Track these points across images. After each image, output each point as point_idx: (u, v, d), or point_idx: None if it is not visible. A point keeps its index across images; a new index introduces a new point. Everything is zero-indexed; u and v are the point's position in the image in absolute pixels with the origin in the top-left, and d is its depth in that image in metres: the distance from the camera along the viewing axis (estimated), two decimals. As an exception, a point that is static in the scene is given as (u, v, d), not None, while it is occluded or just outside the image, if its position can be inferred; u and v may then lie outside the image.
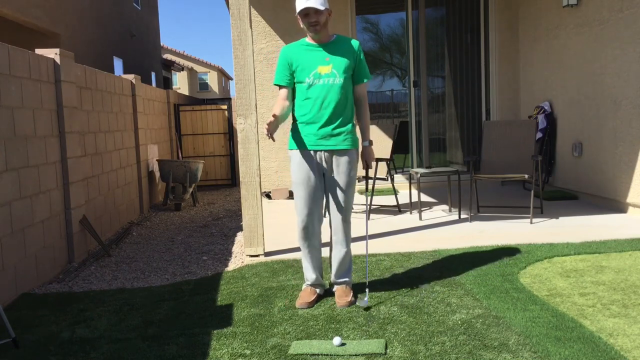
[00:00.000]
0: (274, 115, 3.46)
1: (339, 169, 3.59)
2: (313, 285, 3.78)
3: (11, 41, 11.12)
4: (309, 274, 3.76)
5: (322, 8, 3.46)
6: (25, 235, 4.38)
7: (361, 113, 3.74)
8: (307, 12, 3.48)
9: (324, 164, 3.61)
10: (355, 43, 3.63)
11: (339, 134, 3.58)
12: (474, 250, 4.69)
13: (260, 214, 4.81)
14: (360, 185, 8.32)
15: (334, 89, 3.55)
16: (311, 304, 3.61)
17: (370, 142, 3.70)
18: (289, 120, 8.19)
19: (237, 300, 3.81)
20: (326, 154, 3.59)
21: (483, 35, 8.46)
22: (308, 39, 3.62)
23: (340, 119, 3.58)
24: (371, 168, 3.84)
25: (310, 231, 3.66)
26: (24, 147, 4.43)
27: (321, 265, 3.79)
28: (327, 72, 3.55)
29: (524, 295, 3.59)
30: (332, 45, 3.58)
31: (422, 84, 8.47)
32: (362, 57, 3.65)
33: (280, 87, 3.68)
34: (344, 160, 3.59)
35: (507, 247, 4.76)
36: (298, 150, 3.63)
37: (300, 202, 3.62)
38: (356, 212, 6.65)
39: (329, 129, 3.56)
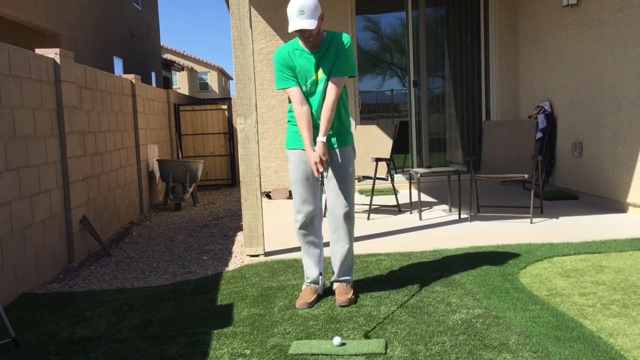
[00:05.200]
0: (322, 161, 3.42)
1: (335, 166, 3.60)
2: (313, 283, 3.78)
3: (11, 41, 11.12)
4: (310, 272, 3.76)
5: (313, 27, 3.35)
6: (25, 235, 4.38)
7: (324, 105, 3.50)
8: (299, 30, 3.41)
9: None
10: (344, 38, 3.51)
11: (334, 134, 3.61)
12: (474, 250, 4.69)
13: (260, 214, 4.81)
14: (360, 186, 8.31)
15: (324, 93, 3.54)
16: (311, 304, 3.60)
17: (324, 141, 3.46)
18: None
19: (237, 300, 3.81)
20: None
21: (483, 35, 8.46)
22: (301, 43, 3.55)
23: (335, 120, 3.60)
24: (322, 169, 3.46)
25: (309, 229, 3.67)
26: (24, 147, 4.43)
27: (322, 263, 3.79)
28: (320, 78, 3.54)
29: (524, 295, 3.59)
30: (322, 49, 3.52)
31: (422, 84, 8.47)
32: (345, 50, 3.48)
33: (289, 89, 3.55)
34: (339, 156, 3.61)
35: (507, 247, 4.76)
36: (295, 150, 3.64)
37: (299, 200, 3.64)
38: (356, 212, 6.65)
39: None
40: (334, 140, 3.62)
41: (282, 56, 3.57)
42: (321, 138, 3.47)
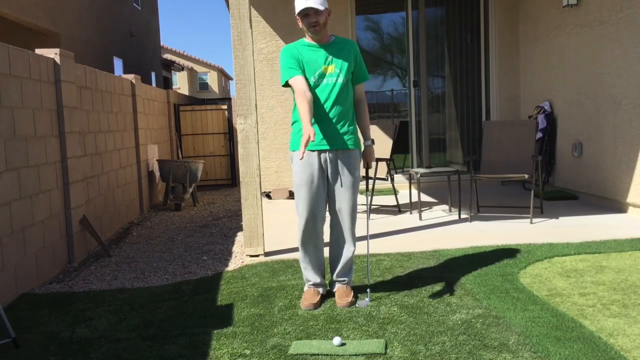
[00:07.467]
0: (306, 140, 3.21)
1: (344, 170, 3.57)
2: (315, 285, 3.76)
3: (11, 41, 11.12)
4: (311, 276, 3.73)
5: (321, 8, 3.43)
6: (25, 235, 4.38)
7: (361, 113, 3.74)
8: (307, 13, 3.45)
9: (328, 165, 3.56)
10: (353, 44, 3.63)
11: (342, 134, 3.56)
12: (474, 250, 4.69)
13: (260, 214, 4.81)
14: (359, 186, 8.31)
15: (338, 89, 3.52)
16: (317, 305, 3.59)
17: (372, 142, 3.72)
18: (290, 119, 8.19)
19: (237, 300, 3.81)
20: (330, 154, 3.56)
21: (483, 35, 8.46)
22: (307, 39, 3.59)
23: (343, 119, 3.56)
24: (371, 168, 3.85)
25: (313, 233, 3.63)
26: (24, 147, 4.43)
27: (323, 266, 3.78)
28: (330, 72, 3.52)
29: (524, 295, 3.59)
30: (332, 45, 3.57)
31: (422, 84, 8.46)
32: (360, 58, 3.66)
33: (293, 77, 3.46)
34: (348, 160, 3.57)
35: (507, 247, 4.76)
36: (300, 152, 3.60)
37: (303, 204, 3.56)
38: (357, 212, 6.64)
39: (333, 129, 3.53)
40: (350, 141, 3.59)
41: (289, 49, 3.58)
42: (367, 142, 3.70)
